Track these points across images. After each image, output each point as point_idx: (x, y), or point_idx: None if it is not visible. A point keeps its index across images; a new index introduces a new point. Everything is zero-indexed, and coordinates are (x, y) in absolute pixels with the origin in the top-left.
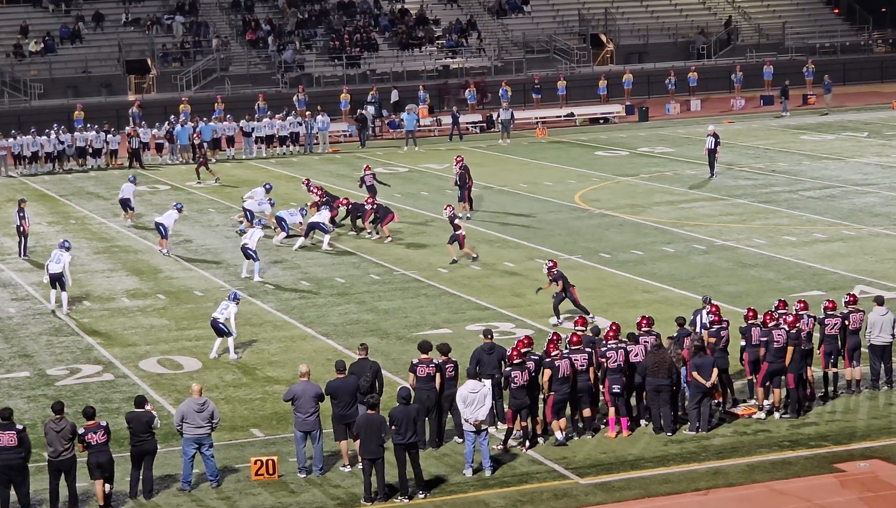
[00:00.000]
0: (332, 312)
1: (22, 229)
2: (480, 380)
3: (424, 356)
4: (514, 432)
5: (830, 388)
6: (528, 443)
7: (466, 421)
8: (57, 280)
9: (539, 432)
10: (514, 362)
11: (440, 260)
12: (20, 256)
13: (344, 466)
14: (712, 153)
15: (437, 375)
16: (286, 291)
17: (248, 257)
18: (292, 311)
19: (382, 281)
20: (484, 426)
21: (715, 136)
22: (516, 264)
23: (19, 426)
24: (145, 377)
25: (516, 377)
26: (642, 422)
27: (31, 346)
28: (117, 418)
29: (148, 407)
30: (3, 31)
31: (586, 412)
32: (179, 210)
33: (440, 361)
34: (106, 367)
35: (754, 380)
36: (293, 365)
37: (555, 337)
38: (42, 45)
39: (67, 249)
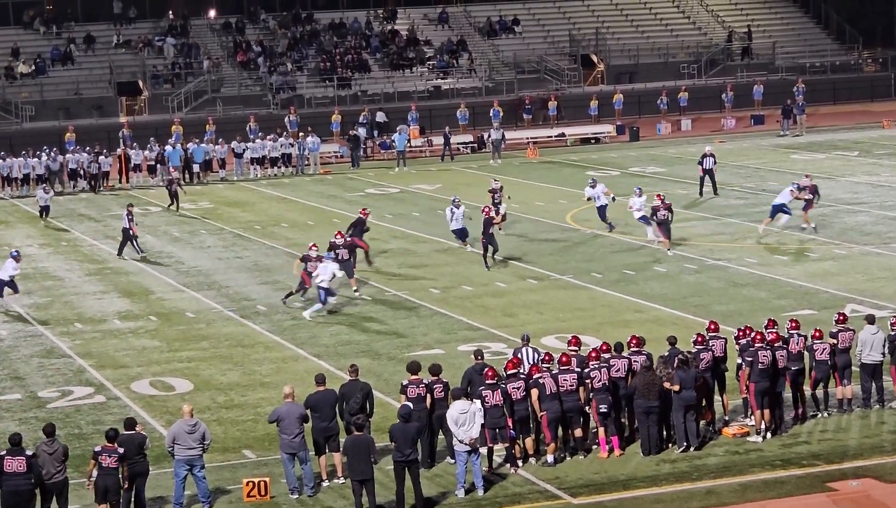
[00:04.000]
0: (323, 332)
1: (130, 231)
2: (471, 400)
3: (414, 376)
4: (498, 451)
5: (810, 410)
6: (520, 463)
7: (461, 442)
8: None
9: (531, 452)
10: (488, 381)
11: (432, 280)
12: (137, 253)
13: (322, 481)
14: (710, 173)
15: (428, 395)
16: (277, 312)
17: (326, 295)
18: (284, 332)
19: (374, 301)
20: (478, 445)
21: (712, 155)
22: (508, 285)
23: (28, 452)
24: (137, 398)
25: (487, 396)
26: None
27: (23, 368)
28: None
29: (138, 429)
30: None
31: (577, 433)
32: (16, 258)
33: (429, 381)
34: (98, 389)
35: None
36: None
37: (546, 357)
38: (33, 67)
39: (15, 257)
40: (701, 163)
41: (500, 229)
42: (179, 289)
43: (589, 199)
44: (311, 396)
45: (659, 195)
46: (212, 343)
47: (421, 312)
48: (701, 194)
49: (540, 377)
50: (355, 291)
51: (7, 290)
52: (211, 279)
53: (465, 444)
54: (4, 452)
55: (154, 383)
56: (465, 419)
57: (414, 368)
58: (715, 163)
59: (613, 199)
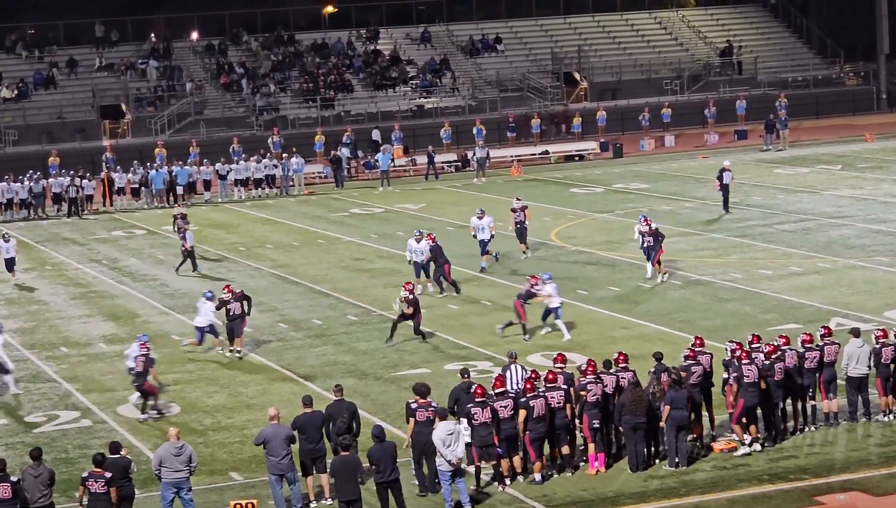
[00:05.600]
0: (309, 353)
1: (184, 248)
2: (457, 419)
3: (423, 400)
4: (485, 469)
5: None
6: (507, 482)
7: (449, 462)
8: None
9: (518, 470)
10: (477, 399)
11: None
12: (193, 271)
13: (310, 502)
14: (727, 188)
15: (437, 418)
16: (263, 333)
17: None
18: (270, 353)
19: (360, 322)
20: (463, 465)
21: (730, 170)
22: (493, 303)
23: (14, 478)
24: (123, 422)
25: (476, 414)
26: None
27: (9, 393)
28: None
29: (123, 452)
30: None
31: (565, 450)
32: (211, 299)
33: (436, 405)
34: (84, 413)
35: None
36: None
37: (533, 375)
38: (16, 91)
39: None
40: (720, 178)
41: (526, 252)
42: (165, 311)
43: (474, 235)
44: (299, 417)
45: (646, 219)
46: (198, 366)
47: (407, 332)
48: (726, 209)
49: (530, 399)
50: (236, 351)
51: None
52: (196, 302)
53: (452, 464)
54: None
55: (140, 406)
56: (450, 438)
57: (423, 391)
58: (732, 178)
59: (492, 236)
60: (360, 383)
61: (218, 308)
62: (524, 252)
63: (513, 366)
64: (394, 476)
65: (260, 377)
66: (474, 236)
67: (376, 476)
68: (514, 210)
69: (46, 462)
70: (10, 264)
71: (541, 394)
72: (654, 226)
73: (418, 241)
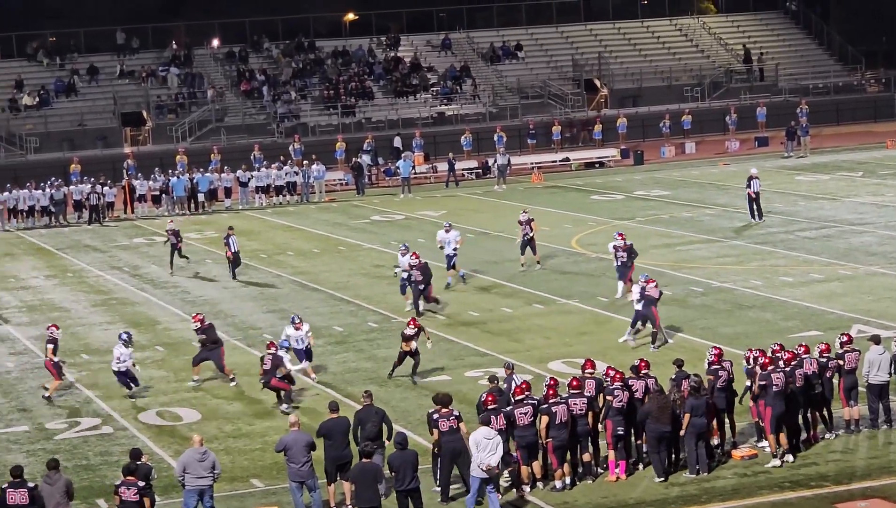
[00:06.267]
0: (330, 360)
1: (227, 255)
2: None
3: (445, 408)
4: (503, 478)
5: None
6: (527, 489)
7: (478, 466)
8: None
9: (538, 476)
10: (489, 407)
11: (438, 306)
12: (232, 279)
13: None
14: (757, 196)
15: (461, 424)
16: None
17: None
18: (291, 361)
19: (380, 329)
20: (496, 472)
21: (758, 178)
22: (514, 310)
23: (31, 484)
24: (144, 429)
25: (490, 421)
26: (640, 465)
27: (30, 400)
28: (116, 471)
29: (144, 459)
30: None
31: (586, 457)
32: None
33: (458, 412)
34: (105, 420)
35: (761, 423)
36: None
37: (553, 382)
38: (37, 98)
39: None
40: (748, 186)
41: (529, 265)
42: (186, 319)
43: (441, 247)
44: (325, 423)
45: (621, 234)
46: (218, 373)
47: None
48: (754, 217)
49: (552, 405)
50: (196, 379)
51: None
52: (217, 309)
53: (483, 470)
54: (6, 484)
55: (161, 413)
56: (487, 444)
57: (445, 401)
58: (760, 185)
59: (455, 250)
60: (381, 389)
61: (202, 342)
62: (537, 263)
63: (512, 377)
64: (414, 484)
65: None
66: (441, 249)
67: (396, 483)
68: (520, 222)
69: (67, 469)
70: None
71: (563, 400)
72: (628, 242)
73: (403, 255)
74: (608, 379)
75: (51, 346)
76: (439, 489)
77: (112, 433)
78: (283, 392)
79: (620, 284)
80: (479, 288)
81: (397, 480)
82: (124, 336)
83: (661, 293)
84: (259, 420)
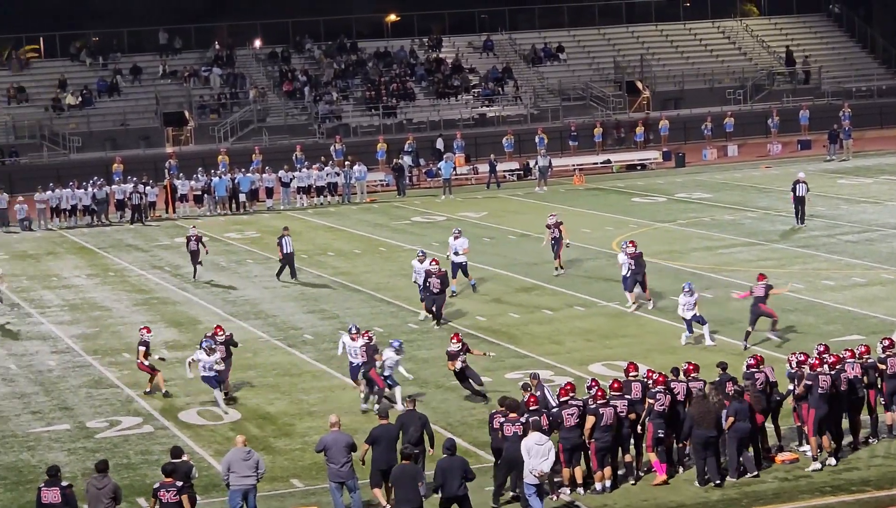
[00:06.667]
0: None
1: (280, 255)
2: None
3: (513, 414)
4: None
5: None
6: (567, 491)
7: (531, 472)
8: None
9: (580, 481)
10: (532, 408)
11: (478, 308)
12: (291, 277)
13: None
14: (802, 201)
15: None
16: (325, 341)
17: None
18: (331, 361)
19: (420, 330)
20: (545, 479)
21: (805, 182)
22: (555, 312)
23: (64, 483)
24: (185, 428)
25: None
26: (681, 469)
27: (71, 399)
28: (156, 470)
29: (185, 458)
30: (42, 85)
31: (627, 458)
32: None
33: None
34: (146, 419)
35: (802, 427)
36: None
37: (594, 384)
38: (80, 98)
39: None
40: (794, 190)
41: (561, 269)
42: (227, 318)
43: (447, 256)
44: (375, 430)
45: (632, 242)
46: (259, 372)
47: (468, 340)
48: (799, 221)
49: (600, 407)
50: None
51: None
52: (258, 309)
53: (535, 476)
54: (42, 483)
55: (202, 412)
56: (539, 450)
57: (514, 406)
58: (808, 190)
59: (462, 256)
60: (421, 390)
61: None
62: (557, 268)
63: (542, 387)
64: (461, 491)
65: (321, 384)
66: (447, 257)
67: (443, 489)
68: (548, 226)
69: (108, 467)
70: None
71: (610, 402)
72: (638, 250)
73: (421, 261)
74: (650, 382)
75: (143, 348)
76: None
77: (153, 433)
78: (376, 387)
79: (628, 294)
80: (519, 289)
81: (444, 486)
82: (205, 344)
83: (768, 289)
84: (299, 420)
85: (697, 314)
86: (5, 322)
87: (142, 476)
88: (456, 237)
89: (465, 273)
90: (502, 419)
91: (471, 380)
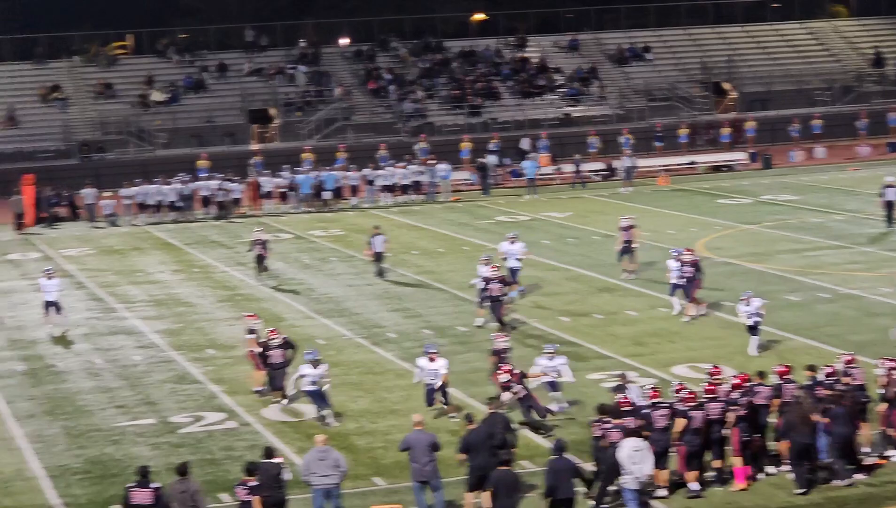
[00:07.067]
0: (453, 360)
1: (366, 253)
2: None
3: (617, 420)
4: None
5: None
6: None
7: (636, 479)
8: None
9: (664, 483)
10: (624, 409)
11: (562, 309)
12: (379, 276)
13: None
14: (892, 205)
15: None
16: (408, 339)
17: None
18: (414, 359)
19: (490, 329)
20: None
21: (894, 186)
22: (639, 313)
23: (155, 484)
24: (268, 424)
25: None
26: (767, 471)
27: (156, 393)
28: (239, 466)
29: (277, 459)
30: (129, 82)
31: (716, 463)
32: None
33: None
34: (229, 415)
35: (888, 432)
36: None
37: (680, 387)
38: (167, 95)
39: (50, 277)
40: (882, 195)
41: (632, 274)
42: (310, 316)
43: (504, 259)
44: (467, 436)
45: (689, 250)
46: (342, 370)
47: (550, 340)
48: (889, 225)
49: (690, 410)
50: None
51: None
52: (341, 306)
53: (638, 483)
54: (132, 484)
55: (285, 409)
56: (638, 456)
57: (615, 411)
58: None
59: (520, 261)
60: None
61: (261, 356)
62: (624, 271)
63: (630, 386)
64: (568, 494)
65: (404, 382)
66: (503, 260)
67: (555, 491)
68: (621, 229)
69: (192, 462)
70: (50, 306)
71: (701, 406)
72: (695, 257)
73: (485, 265)
74: (733, 387)
75: (252, 336)
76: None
77: (236, 429)
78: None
79: (675, 300)
80: (602, 290)
81: (557, 488)
82: (309, 356)
83: None
84: (382, 419)
85: (756, 322)
86: (64, 331)
87: (224, 472)
88: (512, 242)
89: (514, 279)
90: (608, 426)
91: (533, 409)
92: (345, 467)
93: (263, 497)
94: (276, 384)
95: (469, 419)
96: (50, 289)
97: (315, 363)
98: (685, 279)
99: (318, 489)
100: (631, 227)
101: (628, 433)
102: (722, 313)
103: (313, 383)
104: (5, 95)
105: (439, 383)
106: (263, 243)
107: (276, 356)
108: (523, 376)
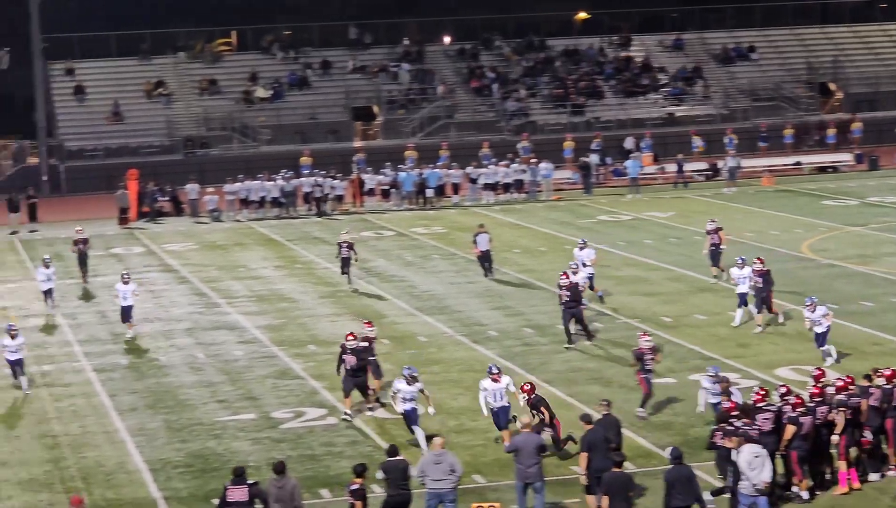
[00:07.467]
0: (554, 359)
1: (473, 252)
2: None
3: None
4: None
5: None
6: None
7: (754, 486)
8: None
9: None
10: (759, 403)
11: (664, 308)
12: (487, 276)
13: None
14: None
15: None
16: (509, 338)
17: None
18: (515, 358)
19: (605, 329)
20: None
21: None
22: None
23: (251, 481)
24: (370, 421)
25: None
26: (872, 476)
27: (257, 389)
28: (340, 461)
29: (401, 455)
30: (234, 78)
31: (827, 468)
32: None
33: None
34: (330, 411)
35: None
36: (515, 412)
37: (786, 390)
38: (270, 91)
39: (126, 282)
40: None
41: (718, 278)
42: (412, 313)
43: (578, 265)
44: (584, 436)
45: (760, 259)
46: (443, 367)
47: (652, 340)
48: None
49: (800, 416)
50: (374, 401)
51: None
52: (443, 304)
53: (759, 489)
54: (229, 482)
55: (387, 406)
56: (757, 462)
57: (724, 418)
58: None
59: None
60: (605, 390)
61: (339, 366)
62: (715, 276)
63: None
64: (686, 502)
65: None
66: (574, 266)
67: (672, 500)
68: (708, 232)
69: (291, 458)
70: (126, 313)
71: (810, 410)
72: (766, 267)
73: (582, 249)
74: (838, 390)
75: (364, 345)
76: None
77: (336, 425)
78: (645, 396)
79: (741, 310)
80: (705, 290)
81: (676, 495)
82: (406, 373)
83: None
84: (481, 417)
85: (822, 333)
86: (133, 336)
87: (325, 467)
88: (581, 248)
89: (591, 286)
90: (739, 425)
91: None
92: (460, 471)
93: (390, 495)
94: (345, 390)
95: (588, 419)
96: (126, 294)
97: (411, 380)
98: (750, 289)
99: (432, 492)
100: (718, 229)
101: (748, 438)
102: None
103: (408, 400)
104: (111, 91)
105: (504, 403)
106: (350, 246)
107: (349, 361)
108: (533, 389)
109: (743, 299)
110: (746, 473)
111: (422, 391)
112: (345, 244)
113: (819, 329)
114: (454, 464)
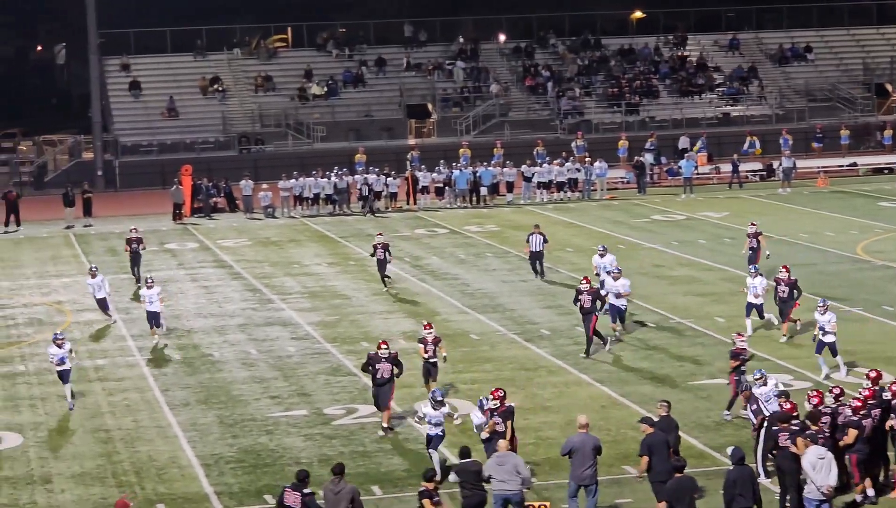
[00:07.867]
0: (607, 358)
1: (526, 251)
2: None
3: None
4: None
5: None
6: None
7: (818, 489)
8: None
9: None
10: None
11: (717, 309)
12: (537, 277)
13: None
14: None
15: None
16: (561, 336)
17: None
18: (567, 356)
19: (658, 328)
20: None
21: None
22: (795, 315)
23: (307, 491)
24: (422, 419)
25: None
26: None
27: (310, 385)
28: (391, 458)
29: (474, 457)
30: (289, 75)
31: (879, 472)
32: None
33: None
34: None
35: None
36: (567, 411)
37: (839, 392)
38: (325, 88)
39: (150, 287)
40: None
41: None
42: (464, 311)
43: (597, 273)
44: (646, 439)
45: (786, 267)
46: (495, 366)
47: (705, 340)
48: None
49: (862, 419)
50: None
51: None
52: (496, 302)
53: (823, 492)
54: (289, 484)
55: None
56: (822, 464)
57: (786, 419)
58: None
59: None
60: (657, 390)
61: (364, 368)
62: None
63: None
64: (747, 503)
65: (557, 379)
66: (597, 275)
67: (734, 501)
68: (749, 235)
69: (343, 455)
70: (152, 318)
71: (868, 413)
72: (793, 277)
73: (616, 279)
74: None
75: (421, 346)
76: None
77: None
78: (732, 398)
79: (749, 321)
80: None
81: (737, 496)
82: (432, 395)
83: None
84: (533, 416)
85: (830, 341)
86: (164, 345)
87: (376, 464)
88: (602, 255)
89: (622, 319)
90: (791, 432)
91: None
92: (526, 473)
93: (465, 497)
94: (380, 404)
95: (649, 422)
96: (152, 298)
97: (436, 405)
98: (762, 300)
99: (497, 494)
100: (758, 234)
101: (813, 440)
102: (882, 318)
103: (436, 424)
104: (166, 87)
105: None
106: (385, 247)
107: (384, 370)
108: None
109: (749, 309)
110: (810, 475)
111: (449, 415)
112: (380, 246)
113: (827, 339)
114: (518, 466)
